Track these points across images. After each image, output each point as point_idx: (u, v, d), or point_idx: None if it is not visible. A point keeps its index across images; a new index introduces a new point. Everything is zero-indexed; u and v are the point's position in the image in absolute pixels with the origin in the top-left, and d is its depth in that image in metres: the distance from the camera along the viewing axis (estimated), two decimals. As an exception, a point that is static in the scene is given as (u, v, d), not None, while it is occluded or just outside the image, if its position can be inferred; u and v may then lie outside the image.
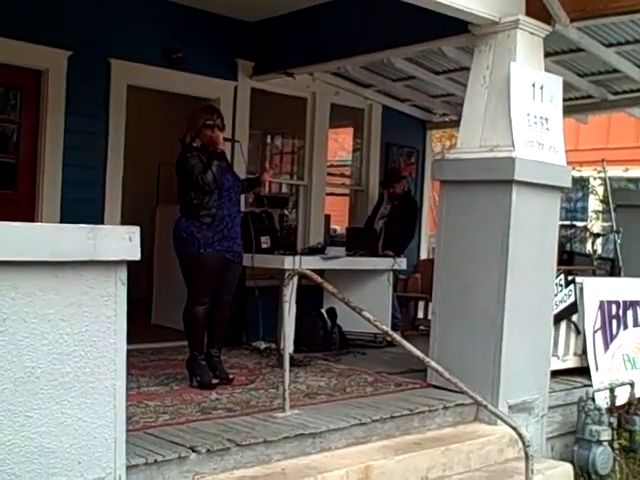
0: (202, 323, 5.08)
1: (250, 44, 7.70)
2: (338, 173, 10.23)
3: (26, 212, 6.41)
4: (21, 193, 6.56)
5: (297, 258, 6.52)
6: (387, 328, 4.63)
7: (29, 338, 2.78)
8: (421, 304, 8.88)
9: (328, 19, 6.89)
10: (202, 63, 7.39)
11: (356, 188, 9.30)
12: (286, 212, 9.10)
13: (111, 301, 3.00)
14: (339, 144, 11.16)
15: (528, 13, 5.31)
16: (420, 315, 8.92)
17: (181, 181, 5.12)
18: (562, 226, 9.93)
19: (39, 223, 5.55)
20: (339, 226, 10.48)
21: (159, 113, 8.77)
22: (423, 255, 9.66)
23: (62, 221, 6.27)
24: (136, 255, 3.01)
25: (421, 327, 8.49)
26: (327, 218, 9.01)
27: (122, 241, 2.98)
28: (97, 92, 6.77)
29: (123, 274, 3.03)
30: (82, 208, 6.46)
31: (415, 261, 9.13)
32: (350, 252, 7.20)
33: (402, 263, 7.53)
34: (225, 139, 5.28)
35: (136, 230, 3.02)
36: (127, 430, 3.14)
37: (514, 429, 4.25)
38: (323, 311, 7.08)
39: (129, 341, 3.08)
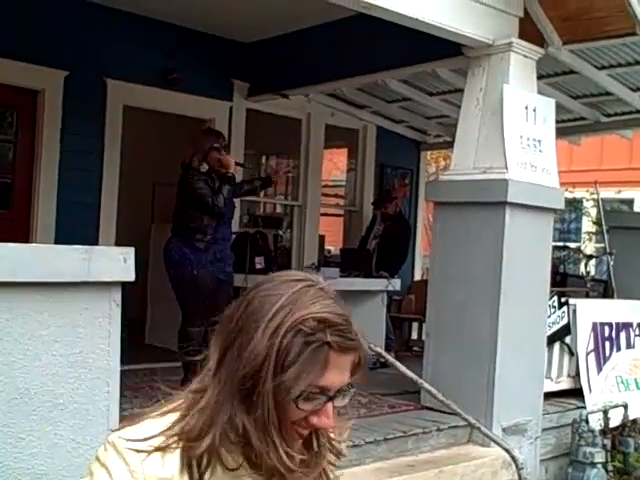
0: (197, 344, 5.07)
1: (245, 65, 7.75)
2: (332, 193, 10.26)
3: (21, 232, 6.41)
4: (16, 212, 6.57)
5: (291, 278, 6.51)
6: (381, 349, 4.64)
7: (23, 359, 2.77)
8: (415, 325, 8.87)
9: (322, 41, 6.94)
10: (198, 83, 7.43)
11: (350, 208, 9.33)
12: (280, 232, 9.11)
13: (105, 322, 3.00)
14: (334, 164, 11.20)
15: (521, 36, 5.37)
16: (414, 336, 8.91)
17: (183, 202, 5.12)
18: (555, 247, 9.95)
19: (34, 244, 5.54)
20: (333, 247, 10.49)
21: (154, 133, 8.80)
22: (417, 276, 9.68)
23: (57, 241, 6.27)
24: (130, 276, 3.01)
25: (415, 348, 8.48)
26: (321, 239, 9.03)
27: (117, 262, 2.98)
28: (93, 112, 6.79)
29: (117, 295, 3.02)
30: (77, 228, 6.47)
31: (409, 282, 9.14)
32: (344, 273, 7.21)
33: (396, 284, 7.54)
34: (237, 163, 5.30)
35: (131, 251, 3.03)
36: (120, 452, 3.13)
37: (507, 451, 4.25)
38: (317, 331, 7.06)
39: (122, 361, 3.08)
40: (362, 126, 9.05)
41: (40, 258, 2.84)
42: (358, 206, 9.18)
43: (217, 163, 5.12)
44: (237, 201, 6.62)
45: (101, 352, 2.99)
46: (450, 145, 7.20)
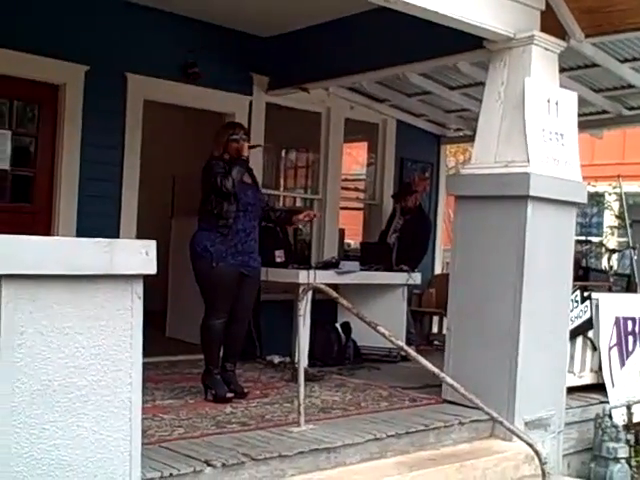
0: (218, 337, 5.08)
1: (265, 59, 7.74)
2: (352, 187, 10.23)
3: (43, 225, 6.45)
4: (38, 206, 6.60)
5: (311, 272, 6.52)
6: (402, 343, 4.62)
7: (46, 351, 2.80)
8: (435, 319, 8.85)
9: (342, 34, 6.92)
10: (218, 78, 7.44)
11: (370, 202, 9.32)
12: (300, 226, 9.10)
13: (127, 314, 3.01)
14: (353, 158, 11.17)
15: (543, 29, 5.32)
16: (434, 330, 8.89)
17: (204, 189, 5.15)
18: (577, 242, 9.89)
19: (56, 237, 5.58)
20: (353, 240, 10.48)
21: (174, 127, 8.82)
22: (437, 270, 9.64)
23: (78, 234, 6.31)
24: (152, 269, 3.02)
25: (435, 342, 8.47)
26: (341, 232, 9.01)
27: (138, 255, 2.99)
28: (114, 106, 6.82)
29: (139, 288, 3.04)
30: (98, 221, 6.50)
31: (429, 276, 9.11)
32: (364, 266, 7.20)
33: (416, 278, 7.52)
34: (250, 147, 5.32)
35: (152, 244, 3.04)
36: (142, 443, 3.14)
37: (530, 446, 4.23)
38: (337, 325, 7.07)
39: (144, 354, 3.09)
40: (382, 120, 9.02)
41: (62, 251, 2.86)
42: (378, 200, 9.16)
43: (235, 152, 5.15)
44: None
45: (123, 344, 3.00)
46: (470, 139, 7.16)
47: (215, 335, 5.07)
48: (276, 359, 6.63)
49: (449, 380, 4.43)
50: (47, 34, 6.35)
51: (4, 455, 2.70)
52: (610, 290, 8.53)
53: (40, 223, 6.48)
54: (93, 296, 2.92)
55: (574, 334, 5.84)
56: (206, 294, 5.11)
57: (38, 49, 6.27)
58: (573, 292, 5.76)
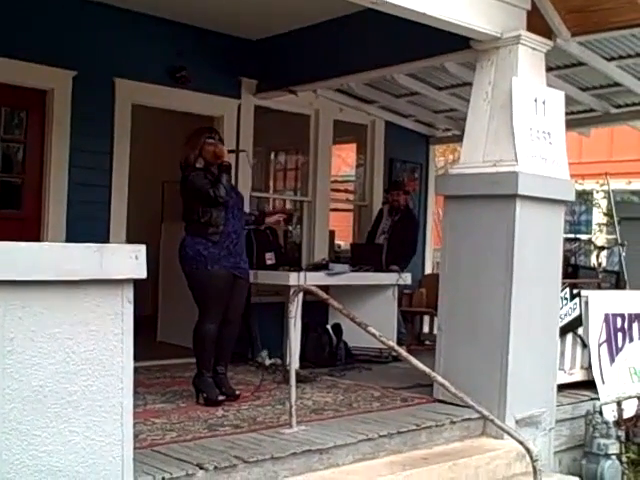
0: (212, 341, 5.08)
1: (253, 62, 7.75)
2: (342, 189, 10.25)
3: (32, 231, 6.44)
4: (27, 212, 6.59)
5: (302, 274, 6.53)
6: (393, 343, 4.64)
7: (36, 357, 2.80)
8: (426, 319, 8.87)
9: (330, 36, 6.94)
10: (206, 81, 7.44)
11: (360, 203, 9.33)
12: (290, 228, 9.12)
13: (118, 319, 3.02)
14: (342, 160, 11.19)
15: (529, 28, 5.35)
16: (425, 330, 8.91)
17: (187, 200, 5.14)
18: (566, 239, 9.92)
19: (46, 243, 5.56)
20: (343, 242, 10.49)
21: (163, 131, 8.81)
22: (428, 270, 9.67)
23: (68, 240, 6.30)
24: (142, 273, 3.02)
25: (426, 342, 8.49)
26: (331, 234, 9.03)
27: (128, 260, 3.00)
28: (102, 111, 6.82)
29: (130, 292, 3.04)
30: (88, 226, 6.50)
31: (420, 276, 9.13)
32: (355, 268, 7.21)
33: (407, 278, 7.54)
34: (230, 151, 5.30)
35: (142, 248, 3.04)
36: (134, 448, 3.15)
37: (521, 443, 4.25)
38: (328, 327, 7.08)
39: (135, 358, 3.09)
40: (370, 121, 9.04)
41: (52, 257, 2.86)
42: (368, 201, 9.18)
43: (212, 156, 5.14)
44: (246, 198, 6.64)
45: (114, 349, 3.01)
46: (459, 138, 7.18)
47: (210, 340, 5.06)
48: (267, 361, 6.64)
49: (440, 379, 4.45)
50: (34, 40, 6.34)
51: (-4, 462, 2.70)
52: (599, 287, 8.57)
53: (29, 229, 6.46)
54: (83, 301, 2.93)
55: (564, 331, 5.86)
56: (201, 298, 5.09)
57: (25, 55, 6.27)
58: (562, 290, 5.78)
